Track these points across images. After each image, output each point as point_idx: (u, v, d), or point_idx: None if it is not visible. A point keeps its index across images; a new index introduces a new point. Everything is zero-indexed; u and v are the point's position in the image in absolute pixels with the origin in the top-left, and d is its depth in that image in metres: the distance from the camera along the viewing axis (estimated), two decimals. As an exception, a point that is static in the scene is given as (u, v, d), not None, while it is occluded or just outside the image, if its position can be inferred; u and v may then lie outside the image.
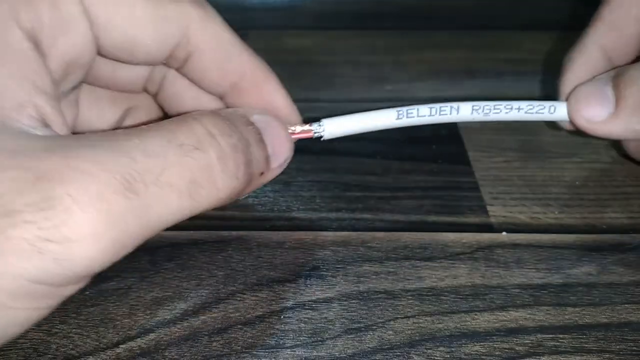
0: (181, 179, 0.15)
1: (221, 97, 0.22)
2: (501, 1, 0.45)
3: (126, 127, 0.17)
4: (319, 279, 0.23)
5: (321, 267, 0.23)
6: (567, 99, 0.24)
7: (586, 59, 0.24)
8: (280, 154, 0.20)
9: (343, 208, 0.26)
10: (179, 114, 0.19)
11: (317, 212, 0.26)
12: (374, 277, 0.23)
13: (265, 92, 0.21)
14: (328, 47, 0.40)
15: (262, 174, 0.19)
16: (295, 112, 0.22)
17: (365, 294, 0.22)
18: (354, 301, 0.22)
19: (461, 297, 0.22)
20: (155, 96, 0.23)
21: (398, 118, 0.23)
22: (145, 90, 0.23)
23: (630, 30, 0.23)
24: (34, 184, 0.14)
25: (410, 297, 0.22)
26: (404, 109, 0.23)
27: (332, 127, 0.22)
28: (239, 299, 0.22)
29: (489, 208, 0.26)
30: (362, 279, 0.23)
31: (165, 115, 0.24)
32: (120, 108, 0.22)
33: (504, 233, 0.25)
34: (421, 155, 0.29)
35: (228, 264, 0.23)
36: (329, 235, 0.24)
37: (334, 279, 0.22)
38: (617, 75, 0.22)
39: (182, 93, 0.22)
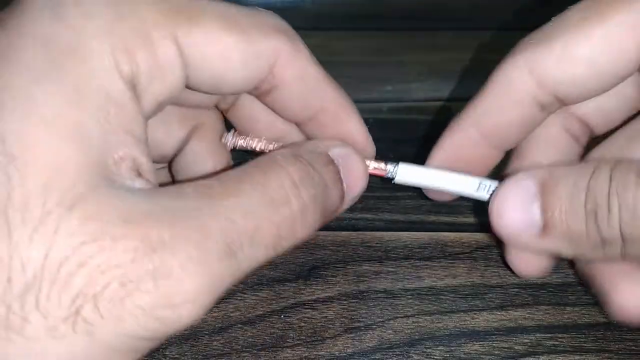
0: (270, 236, 0.16)
1: (298, 125, 0.21)
2: (501, 1, 0.45)
3: (216, 175, 0.17)
4: (319, 278, 0.23)
5: (321, 266, 0.23)
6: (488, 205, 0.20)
7: (462, 138, 0.21)
8: (355, 189, 0.20)
9: (343, 208, 0.26)
10: (247, 132, 0.22)
11: (317, 212, 0.26)
12: (374, 276, 0.23)
13: (344, 126, 0.21)
14: (327, 48, 0.40)
15: (336, 210, 0.19)
16: (372, 145, 0.22)
17: (364, 294, 0.22)
18: (353, 300, 0.22)
19: (460, 296, 0.22)
20: (226, 111, 0.23)
21: (478, 190, 0.21)
22: (216, 106, 0.22)
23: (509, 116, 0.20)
24: (146, 254, 0.14)
25: (409, 297, 0.22)
26: (487, 182, 0.20)
27: (406, 174, 0.21)
28: (239, 298, 0.22)
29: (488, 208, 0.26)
30: (361, 278, 0.23)
31: (227, 124, 0.23)
32: (188, 126, 0.22)
33: (503, 233, 0.25)
34: (421, 156, 0.29)
35: (228, 263, 0.23)
36: (329, 235, 0.25)
37: (333, 279, 0.23)
38: (545, 193, 0.18)
39: (257, 116, 0.22)
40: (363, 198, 0.26)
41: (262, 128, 0.22)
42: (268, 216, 0.16)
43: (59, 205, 0.14)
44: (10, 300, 0.13)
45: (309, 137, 0.21)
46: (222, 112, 0.23)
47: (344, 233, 0.25)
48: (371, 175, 0.21)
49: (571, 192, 0.18)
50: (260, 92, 0.20)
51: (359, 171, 0.20)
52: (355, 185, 0.20)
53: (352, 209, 0.26)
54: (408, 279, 0.23)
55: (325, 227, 0.25)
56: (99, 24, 0.15)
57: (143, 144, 0.16)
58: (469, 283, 0.22)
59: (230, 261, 0.15)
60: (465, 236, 0.24)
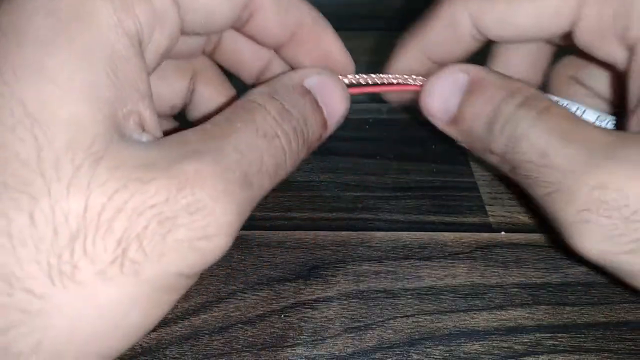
0: (271, 165, 0.18)
1: (279, 49, 0.22)
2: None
3: (209, 121, 0.18)
4: (319, 278, 0.23)
5: (321, 266, 0.23)
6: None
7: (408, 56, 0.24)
8: (336, 113, 0.21)
9: (343, 208, 0.26)
10: (238, 69, 0.24)
11: (317, 212, 0.26)
12: (374, 276, 0.23)
13: (321, 42, 0.22)
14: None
15: (320, 136, 0.20)
16: (350, 60, 0.23)
17: (364, 293, 0.22)
18: (353, 300, 0.22)
19: (460, 296, 0.22)
20: (212, 54, 0.24)
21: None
22: (203, 52, 0.24)
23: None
24: (179, 191, 0.15)
25: (409, 296, 0.22)
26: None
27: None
28: (239, 298, 0.22)
29: (487, 208, 0.26)
30: (361, 278, 0.23)
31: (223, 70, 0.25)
32: (187, 76, 0.24)
33: (502, 233, 0.25)
34: (420, 156, 0.29)
35: (229, 263, 0.23)
36: (329, 234, 0.25)
37: (333, 278, 0.23)
38: (469, 91, 0.21)
39: (241, 49, 0.23)
40: (363, 198, 0.27)
41: (247, 59, 0.24)
42: (266, 147, 0.18)
43: (86, 159, 0.15)
44: (59, 250, 0.14)
45: (291, 65, 0.23)
46: (210, 57, 0.24)
47: (344, 233, 0.25)
48: (355, 94, 0.23)
49: (486, 101, 0.20)
50: (242, 23, 0.21)
51: (337, 95, 0.21)
52: (336, 109, 0.21)
53: (352, 209, 0.26)
54: (408, 278, 0.23)
55: (325, 227, 0.25)
56: None
57: (148, 98, 0.17)
58: (468, 283, 0.22)
59: (248, 190, 0.17)
60: (465, 236, 0.24)
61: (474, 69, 0.21)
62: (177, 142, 0.16)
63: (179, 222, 0.15)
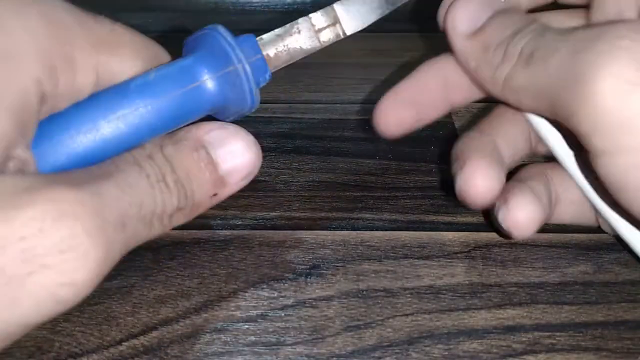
0: (149, 212, 0.16)
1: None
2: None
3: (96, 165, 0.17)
4: (319, 277, 0.23)
5: (321, 265, 0.23)
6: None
7: None
8: (239, 168, 0.19)
9: (343, 208, 0.26)
10: None
11: (317, 212, 0.26)
12: (373, 275, 0.23)
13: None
14: (327, 49, 0.40)
15: (214, 195, 0.19)
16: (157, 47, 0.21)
17: (364, 292, 0.22)
18: (353, 299, 0.22)
19: (459, 295, 0.22)
20: None
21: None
22: None
23: None
24: (55, 221, 0.13)
25: (408, 295, 0.22)
26: None
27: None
28: (240, 297, 0.22)
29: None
30: (361, 277, 0.23)
31: None
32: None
33: (501, 232, 0.25)
34: (420, 156, 0.29)
35: (230, 262, 0.23)
36: (329, 234, 0.25)
37: (333, 278, 0.23)
38: (500, 12, 0.21)
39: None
40: (362, 198, 0.27)
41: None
42: (147, 190, 0.16)
43: None
44: None
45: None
46: None
47: (343, 232, 0.25)
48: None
49: (518, 19, 0.20)
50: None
51: (237, 150, 0.19)
52: (238, 164, 0.19)
53: (351, 208, 0.26)
54: (407, 277, 0.23)
55: (325, 227, 0.25)
56: (36, 38, 0.16)
57: (29, 145, 0.17)
58: (467, 282, 0.23)
59: (121, 233, 0.15)
60: (464, 235, 0.25)
61: None
62: (58, 174, 0.15)
63: (47, 261, 0.13)
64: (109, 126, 0.18)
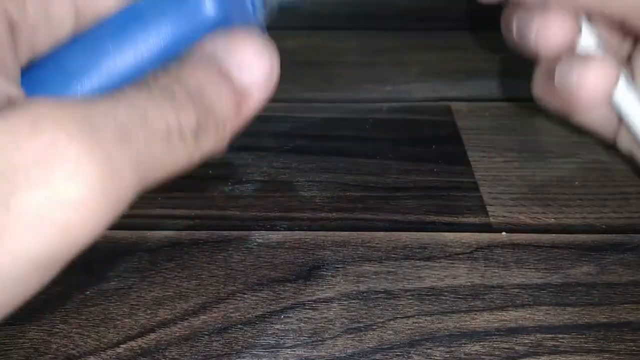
0: (161, 130, 0.14)
1: None
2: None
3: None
4: (319, 278, 0.23)
5: (321, 267, 0.23)
6: None
7: None
8: (256, 73, 0.17)
9: (343, 208, 0.26)
10: None
11: (317, 212, 0.26)
12: (374, 276, 0.23)
13: None
14: (327, 48, 0.40)
15: (239, 105, 0.16)
16: None
17: (365, 294, 0.22)
18: (354, 301, 0.22)
19: (461, 296, 0.22)
20: None
21: None
22: None
23: None
24: (32, 130, 0.11)
25: (409, 297, 0.22)
26: None
27: None
28: (239, 298, 0.22)
29: (488, 208, 0.26)
30: (362, 278, 0.23)
31: None
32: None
33: (503, 233, 0.25)
34: (421, 156, 0.29)
35: (228, 263, 0.23)
36: (329, 235, 0.25)
37: (333, 279, 0.23)
38: None
39: None
40: (363, 198, 0.27)
41: None
42: (151, 105, 0.14)
43: None
44: None
45: None
46: None
47: (344, 233, 0.25)
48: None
49: None
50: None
51: (250, 54, 0.17)
52: (254, 70, 0.17)
53: (352, 209, 0.26)
54: (408, 279, 0.23)
55: (325, 227, 0.25)
56: None
57: (15, 80, 0.15)
58: (469, 283, 0.22)
59: (128, 146, 0.13)
60: (466, 236, 0.24)
61: None
62: (44, 97, 0.13)
63: (31, 176, 0.11)
64: (105, 65, 0.16)
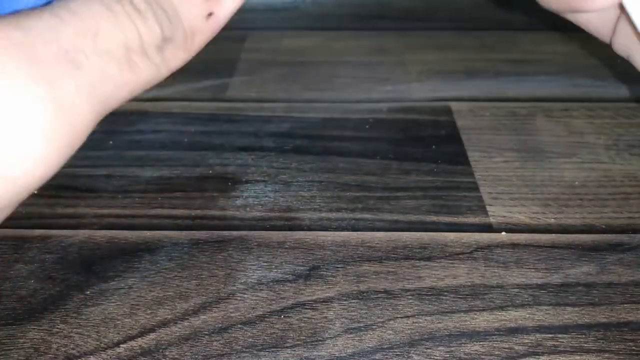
0: (117, 42, 0.13)
1: None
2: (500, 2, 0.45)
3: None
4: (319, 278, 0.23)
5: (321, 266, 0.23)
6: None
7: None
8: None
9: (343, 208, 0.26)
10: None
11: (317, 212, 0.26)
12: (374, 276, 0.23)
13: None
14: (327, 48, 0.40)
15: (210, 15, 0.15)
16: None
17: (365, 294, 0.22)
18: (353, 301, 0.22)
19: (460, 296, 0.22)
20: None
21: None
22: None
23: None
24: None
25: (409, 297, 0.22)
26: None
27: None
28: (239, 298, 0.22)
29: (488, 208, 0.26)
30: (361, 278, 0.23)
31: None
32: None
33: (503, 233, 0.25)
34: (421, 156, 0.29)
35: (228, 263, 0.23)
36: (329, 235, 0.25)
37: (333, 279, 0.23)
38: None
39: None
40: (363, 198, 0.27)
41: None
42: (106, 20, 0.12)
43: None
44: None
45: None
46: None
47: (344, 233, 0.25)
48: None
49: None
50: None
51: None
52: None
53: (352, 209, 0.26)
54: (408, 279, 0.23)
55: (325, 227, 0.25)
56: None
57: None
58: (469, 283, 0.22)
59: (77, 72, 0.11)
60: (466, 236, 0.24)
61: None
62: None
63: None
64: None
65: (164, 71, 0.14)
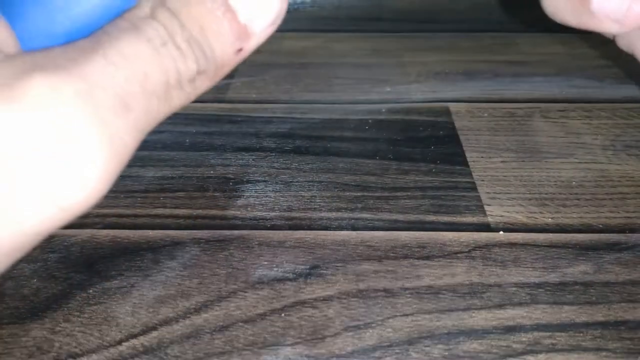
0: (160, 83, 0.14)
1: None
2: (498, 4, 0.46)
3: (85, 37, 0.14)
4: (319, 277, 0.23)
5: (321, 265, 0.23)
6: None
7: None
8: (263, 14, 0.16)
9: (343, 208, 0.26)
10: None
11: (317, 212, 0.26)
12: (373, 275, 0.23)
13: None
14: (327, 49, 0.40)
15: (235, 50, 0.16)
16: None
17: (364, 292, 0.22)
18: (353, 299, 0.22)
19: (459, 295, 0.22)
20: None
21: None
22: None
23: None
24: (37, 106, 0.12)
25: (408, 296, 0.22)
26: None
27: None
28: (240, 297, 0.22)
29: (486, 208, 0.26)
30: (361, 277, 0.23)
31: None
32: None
33: (501, 232, 0.25)
34: (419, 156, 0.29)
35: (230, 262, 0.23)
36: (329, 234, 0.25)
37: (333, 278, 0.23)
38: None
39: None
40: (362, 198, 0.27)
41: None
42: (150, 57, 0.14)
43: None
44: None
45: None
46: None
47: (344, 232, 0.25)
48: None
49: None
50: None
51: None
52: (261, 9, 0.16)
53: (351, 208, 0.26)
54: (407, 278, 0.23)
55: (325, 227, 0.25)
56: None
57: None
58: (467, 282, 0.23)
59: (128, 116, 0.13)
60: (464, 235, 0.25)
61: None
62: (32, 55, 0.13)
63: (42, 155, 0.12)
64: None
65: (192, 98, 0.15)
